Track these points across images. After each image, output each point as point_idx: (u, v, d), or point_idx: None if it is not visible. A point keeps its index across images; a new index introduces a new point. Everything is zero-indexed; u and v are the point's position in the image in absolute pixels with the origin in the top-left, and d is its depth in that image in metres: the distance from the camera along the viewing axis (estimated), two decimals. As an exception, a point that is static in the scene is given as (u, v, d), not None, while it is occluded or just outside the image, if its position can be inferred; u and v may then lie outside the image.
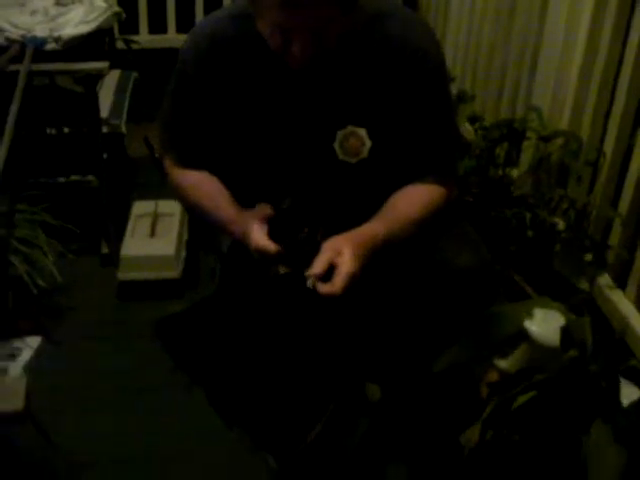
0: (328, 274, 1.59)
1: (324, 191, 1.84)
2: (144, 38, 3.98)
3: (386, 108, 1.77)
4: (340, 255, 1.60)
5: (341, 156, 1.80)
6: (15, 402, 1.78)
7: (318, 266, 1.59)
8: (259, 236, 1.65)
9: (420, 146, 1.80)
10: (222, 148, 1.88)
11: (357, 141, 1.79)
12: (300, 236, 1.67)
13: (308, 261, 1.61)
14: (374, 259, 1.68)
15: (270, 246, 1.64)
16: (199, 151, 1.87)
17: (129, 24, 3.63)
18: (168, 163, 1.92)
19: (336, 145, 1.79)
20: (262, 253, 1.65)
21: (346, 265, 1.59)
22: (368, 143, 1.79)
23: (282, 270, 1.65)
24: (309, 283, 1.58)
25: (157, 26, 4.07)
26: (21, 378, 1.85)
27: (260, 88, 1.78)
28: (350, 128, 1.78)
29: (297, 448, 1.98)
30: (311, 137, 1.80)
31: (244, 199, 1.81)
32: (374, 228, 1.71)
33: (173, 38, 4.06)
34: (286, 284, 1.65)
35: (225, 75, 1.78)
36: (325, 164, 1.81)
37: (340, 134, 1.79)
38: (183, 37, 3.89)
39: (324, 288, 1.58)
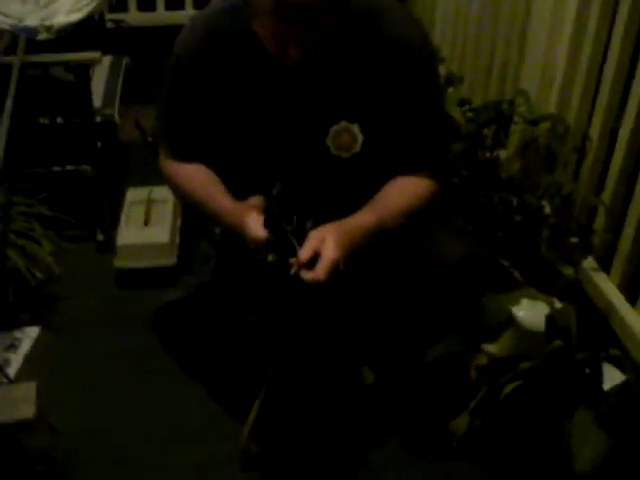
0: (313, 262, 1.63)
1: (317, 184, 1.87)
2: (133, 17, 3.98)
3: (379, 103, 1.80)
4: (324, 243, 1.63)
5: (334, 151, 1.84)
6: (26, 409, 1.81)
7: (302, 254, 1.62)
8: (255, 226, 1.69)
9: (412, 139, 1.84)
10: (216, 141, 1.90)
11: (350, 136, 1.83)
12: (290, 225, 1.71)
13: (295, 249, 1.65)
14: (364, 249, 1.72)
15: (262, 234, 1.67)
16: (193, 144, 1.90)
17: (117, 2, 3.64)
18: (162, 155, 1.95)
19: (329, 140, 1.83)
20: (257, 242, 1.69)
21: (329, 253, 1.62)
22: (360, 138, 1.82)
23: (271, 257, 1.69)
24: (292, 270, 1.63)
25: (146, 4, 4.07)
26: (32, 384, 1.88)
27: (254, 83, 1.80)
28: (343, 124, 1.81)
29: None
30: (304, 133, 1.83)
31: (237, 192, 1.84)
32: (363, 217, 1.75)
33: (162, 15, 4.07)
34: (273, 271, 1.68)
35: (220, 70, 1.80)
36: (318, 159, 1.85)
37: (333, 130, 1.82)
38: (172, 15, 3.98)
39: (307, 275, 1.61)
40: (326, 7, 1.56)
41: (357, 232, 1.71)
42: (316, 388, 2.14)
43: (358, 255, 1.70)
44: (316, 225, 1.70)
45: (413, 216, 1.81)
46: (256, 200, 1.76)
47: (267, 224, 1.69)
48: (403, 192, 1.83)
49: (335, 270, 1.62)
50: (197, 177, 1.90)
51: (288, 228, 1.69)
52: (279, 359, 1.98)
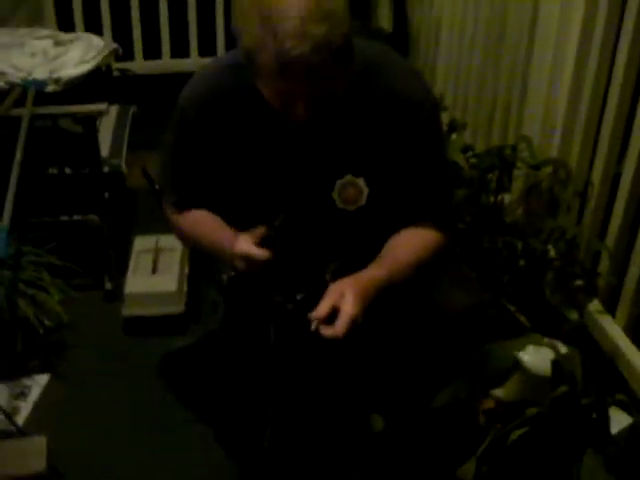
0: (331, 317, 1.63)
1: (324, 238, 1.88)
2: (139, 65, 4.04)
3: (383, 156, 1.82)
4: (343, 298, 1.64)
5: (340, 205, 1.85)
6: (37, 463, 1.83)
7: (322, 309, 1.63)
8: (245, 243, 1.70)
9: (417, 192, 1.86)
10: (222, 196, 1.93)
11: (355, 190, 1.84)
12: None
13: (314, 301, 1.65)
14: (375, 301, 1.73)
15: (256, 251, 1.68)
16: (197, 197, 1.92)
17: (124, 51, 3.69)
18: (168, 207, 1.97)
19: (335, 194, 1.84)
20: (246, 259, 1.70)
21: (348, 309, 1.62)
22: (366, 191, 1.84)
23: (291, 306, 1.69)
24: (313, 326, 1.63)
25: (152, 52, 4.13)
26: (42, 438, 1.90)
27: (259, 139, 1.82)
28: (348, 178, 1.83)
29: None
30: (310, 187, 1.85)
31: None
32: (376, 272, 1.75)
33: (168, 63, 4.13)
34: (290, 320, 1.70)
35: (224, 126, 1.82)
36: (324, 213, 1.86)
37: (339, 183, 1.83)
38: (178, 62, 4.04)
39: (327, 331, 1.62)
40: (331, 66, 1.57)
41: (372, 287, 1.71)
42: (324, 434, 2.14)
43: (370, 307, 1.71)
44: (335, 277, 1.72)
45: (421, 268, 1.82)
46: (256, 230, 1.77)
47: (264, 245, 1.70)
48: (410, 245, 1.84)
49: (353, 325, 1.63)
50: (203, 221, 1.91)
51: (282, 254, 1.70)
52: (280, 402, 1.98)
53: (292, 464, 2.10)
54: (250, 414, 2.20)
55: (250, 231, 1.76)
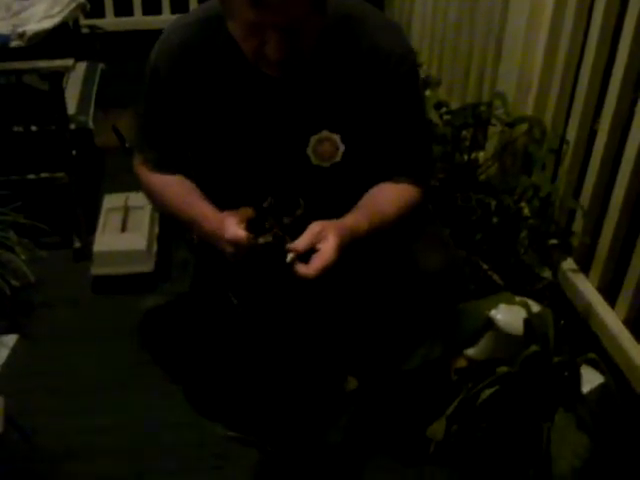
0: (307, 255, 1.61)
1: (299, 194, 1.84)
2: (110, 22, 3.97)
3: (359, 112, 1.79)
4: (325, 241, 1.62)
5: (315, 161, 1.82)
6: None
7: (301, 244, 1.61)
8: (234, 228, 1.65)
9: (395, 148, 1.83)
10: (196, 152, 1.89)
11: (330, 146, 1.81)
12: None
13: (291, 232, 1.63)
14: (351, 252, 1.70)
15: (243, 235, 1.63)
16: (171, 155, 1.89)
17: (94, 8, 3.62)
18: (138, 163, 1.93)
19: (309, 150, 1.81)
20: (236, 244, 1.65)
21: (328, 254, 1.61)
22: (342, 147, 1.81)
23: (262, 240, 1.63)
24: (289, 258, 1.60)
25: (123, 9, 4.05)
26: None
27: (233, 94, 1.79)
28: (323, 133, 1.80)
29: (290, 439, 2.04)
30: (284, 143, 1.81)
31: (218, 203, 1.81)
32: (358, 221, 1.73)
33: (140, 20, 4.06)
34: (266, 253, 1.63)
35: (198, 81, 1.78)
36: (299, 169, 1.83)
37: (313, 139, 1.80)
38: (149, 19, 3.96)
39: (301, 269, 1.60)
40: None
41: (352, 235, 1.69)
42: (297, 394, 2.13)
43: (345, 258, 1.68)
44: (305, 213, 1.69)
45: (399, 223, 1.81)
46: (243, 210, 1.72)
47: (251, 229, 1.65)
48: (390, 199, 1.82)
49: (326, 271, 1.61)
50: (174, 184, 1.88)
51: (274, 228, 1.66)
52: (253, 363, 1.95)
53: (267, 424, 2.09)
54: (221, 372, 2.19)
55: (235, 212, 1.71)
